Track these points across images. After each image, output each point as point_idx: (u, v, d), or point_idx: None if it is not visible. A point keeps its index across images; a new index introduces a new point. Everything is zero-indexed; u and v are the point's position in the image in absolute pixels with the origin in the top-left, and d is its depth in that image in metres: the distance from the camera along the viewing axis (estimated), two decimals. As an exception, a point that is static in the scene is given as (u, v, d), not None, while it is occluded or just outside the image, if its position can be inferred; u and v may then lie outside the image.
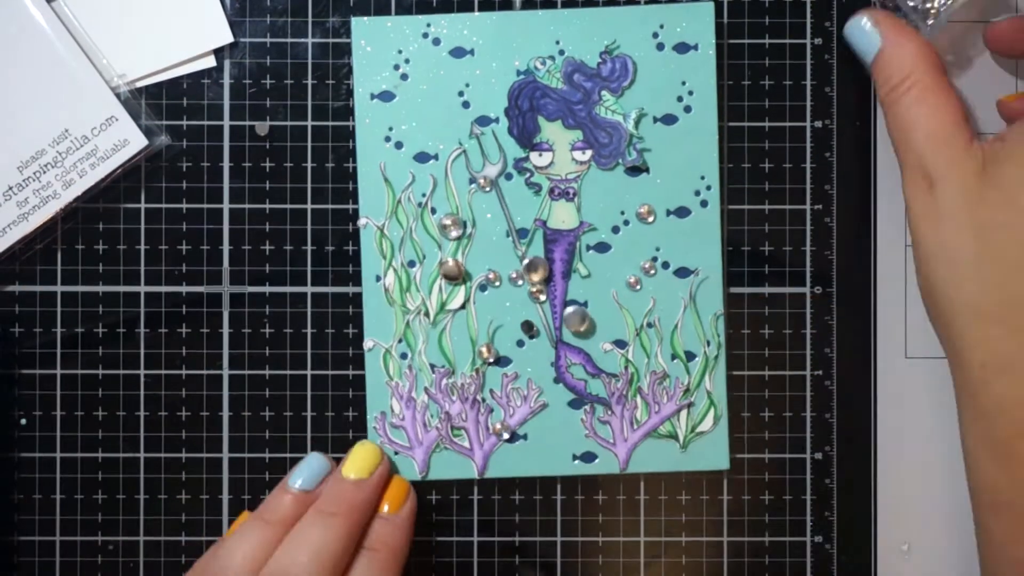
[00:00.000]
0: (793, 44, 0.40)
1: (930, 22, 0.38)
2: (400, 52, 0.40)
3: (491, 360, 0.40)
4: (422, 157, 0.40)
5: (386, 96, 0.40)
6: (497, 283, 0.40)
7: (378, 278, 0.40)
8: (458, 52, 0.40)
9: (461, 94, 0.40)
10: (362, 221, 0.40)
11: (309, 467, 0.38)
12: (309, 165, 0.40)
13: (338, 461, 0.38)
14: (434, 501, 0.40)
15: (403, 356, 0.40)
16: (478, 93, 0.40)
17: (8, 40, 0.39)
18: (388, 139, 0.40)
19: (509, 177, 0.40)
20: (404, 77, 0.39)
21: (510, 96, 0.40)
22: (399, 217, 0.40)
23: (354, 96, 0.39)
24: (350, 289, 0.40)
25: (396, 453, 0.40)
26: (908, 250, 0.41)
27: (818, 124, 0.40)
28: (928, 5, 0.38)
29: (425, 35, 0.40)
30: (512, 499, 0.40)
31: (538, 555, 0.40)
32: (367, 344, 0.40)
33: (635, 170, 0.40)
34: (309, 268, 0.40)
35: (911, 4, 0.38)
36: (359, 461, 0.38)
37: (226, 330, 0.40)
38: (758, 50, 0.40)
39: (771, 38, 0.40)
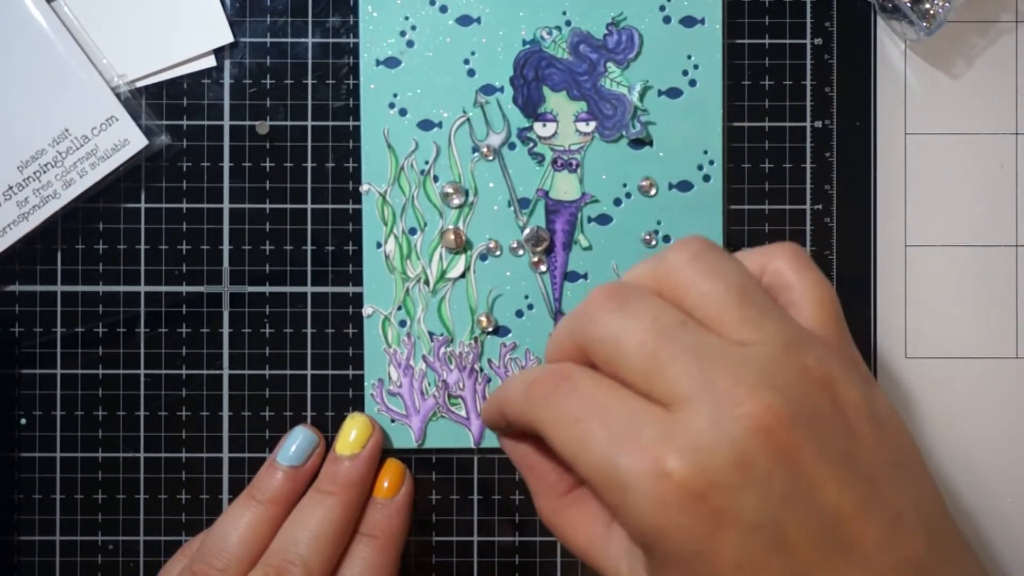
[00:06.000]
0: (793, 44, 0.40)
1: (928, 23, 0.38)
2: (407, 19, 0.40)
3: (490, 330, 0.40)
4: (426, 124, 0.40)
5: (391, 62, 0.40)
6: (498, 252, 0.40)
7: (379, 244, 0.40)
8: (465, 20, 0.40)
9: (467, 62, 0.40)
10: (364, 187, 0.40)
11: (295, 441, 0.38)
12: (309, 165, 0.40)
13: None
14: (434, 501, 0.40)
15: (402, 324, 0.40)
16: (484, 62, 0.40)
17: (8, 40, 0.39)
18: (392, 105, 0.40)
19: (512, 147, 0.40)
20: (410, 44, 0.40)
21: (515, 65, 0.40)
22: (401, 184, 0.40)
23: (360, 61, 0.40)
24: (350, 289, 0.40)
25: (393, 421, 0.40)
26: (908, 250, 0.41)
27: (818, 124, 0.40)
28: (927, 6, 0.38)
29: (432, 2, 0.40)
30: (512, 499, 0.40)
31: (538, 555, 0.40)
32: (366, 311, 0.40)
33: (638, 143, 0.40)
34: (309, 268, 0.40)
35: (909, 5, 0.38)
36: (350, 436, 0.38)
37: (226, 330, 0.40)
38: (758, 50, 0.40)
39: (771, 38, 0.40)
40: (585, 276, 0.40)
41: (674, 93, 0.40)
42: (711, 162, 0.40)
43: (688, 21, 0.40)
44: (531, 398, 0.28)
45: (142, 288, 0.40)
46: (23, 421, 0.40)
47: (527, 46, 0.40)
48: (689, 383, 0.25)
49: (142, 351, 0.40)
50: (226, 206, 0.40)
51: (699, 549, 0.24)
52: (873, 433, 0.26)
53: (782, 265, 0.29)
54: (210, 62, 0.40)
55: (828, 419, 0.25)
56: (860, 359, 0.28)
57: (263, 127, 0.40)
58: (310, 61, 0.40)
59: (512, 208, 0.40)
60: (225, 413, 0.40)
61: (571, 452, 0.27)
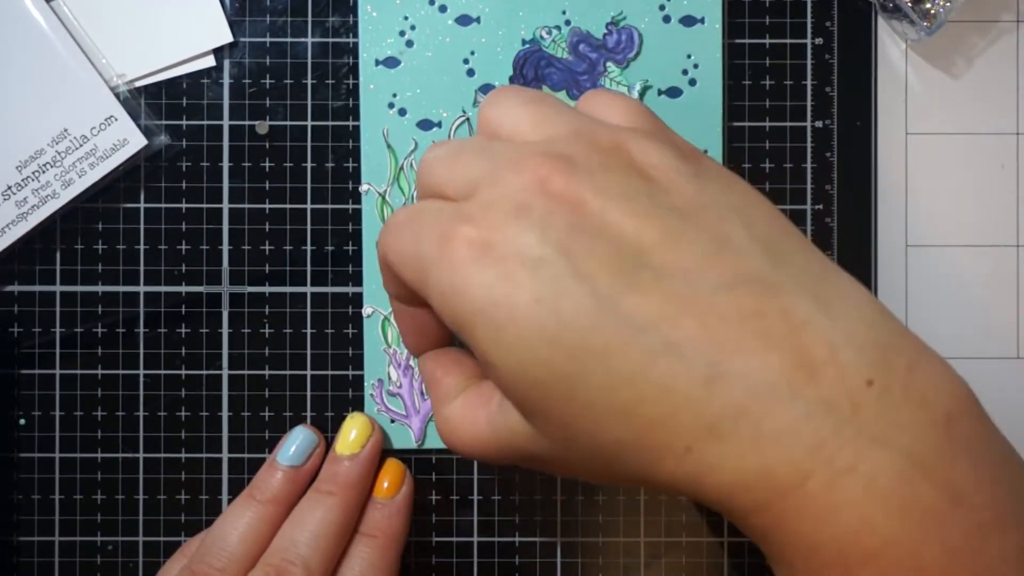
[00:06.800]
0: (793, 44, 0.40)
1: (928, 23, 0.38)
2: (406, 19, 0.40)
3: None
4: (425, 124, 0.40)
5: (391, 62, 0.40)
6: None
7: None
8: (464, 20, 0.40)
9: (466, 62, 0.40)
10: (364, 187, 0.40)
11: (295, 441, 0.38)
12: (309, 165, 0.40)
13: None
14: (434, 501, 0.40)
15: None
16: (483, 61, 0.40)
17: (8, 40, 0.38)
18: (392, 105, 0.40)
19: None
20: (409, 44, 0.40)
21: (515, 65, 0.40)
22: (401, 184, 0.40)
23: (359, 61, 0.40)
24: (350, 289, 0.40)
25: (392, 421, 0.40)
26: (909, 250, 0.41)
27: (818, 124, 0.40)
28: (927, 6, 0.38)
29: (432, 2, 0.40)
30: (512, 499, 0.40)
31: (538, 555, 0.40)
32: (366, 311, 0.40)
33: None
34: (309, 268, 0.40)
35: (909, 4, 0.38)
36: (350, 436, 0.38)
37: (226, 330, 0.40)
38: (758, 50, 0.40)
39: (771, 38, 0.40)
40: None
41: (674, 93, 0.40)
42: None
43: (688, 20, 0.40)
44: (385, 237, 0.30)
45: (141, 288, 0.40)
46: (22, 421, 0.40)
47: (527, 46, 0.40)
48: (480, 169, 0.27)
49: (141, 351, 0.40)
50: (226, 206, 0.40)
51: (498, 298, 0.25)
52: (685, 182, 0.26)
53: (587, 102, 0.30)
54: (210, 62, 0.40)
55: (620, 169, 0.26)
56: (685, 145, 0.28)
57: (263, 127, 0.40)
58: (310, 61, 0.40)
59: None
60: (225, 413, 0.40)
61: (396, 266, 0.29)
